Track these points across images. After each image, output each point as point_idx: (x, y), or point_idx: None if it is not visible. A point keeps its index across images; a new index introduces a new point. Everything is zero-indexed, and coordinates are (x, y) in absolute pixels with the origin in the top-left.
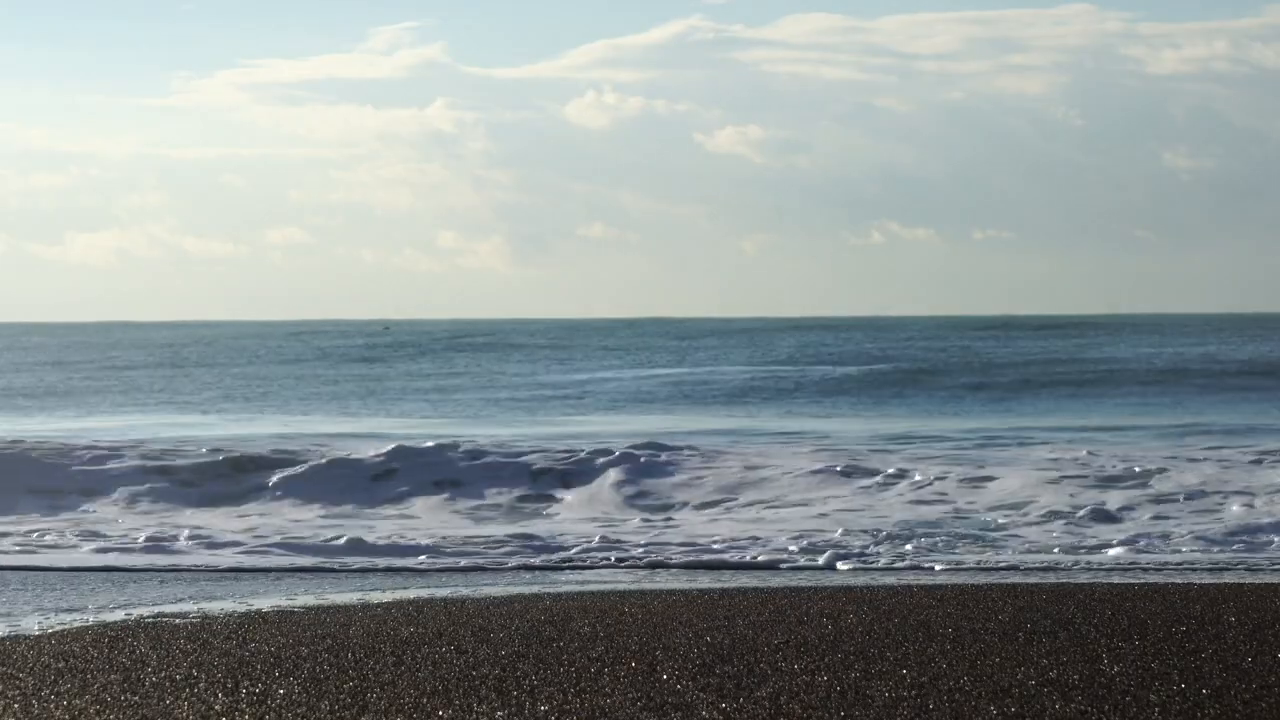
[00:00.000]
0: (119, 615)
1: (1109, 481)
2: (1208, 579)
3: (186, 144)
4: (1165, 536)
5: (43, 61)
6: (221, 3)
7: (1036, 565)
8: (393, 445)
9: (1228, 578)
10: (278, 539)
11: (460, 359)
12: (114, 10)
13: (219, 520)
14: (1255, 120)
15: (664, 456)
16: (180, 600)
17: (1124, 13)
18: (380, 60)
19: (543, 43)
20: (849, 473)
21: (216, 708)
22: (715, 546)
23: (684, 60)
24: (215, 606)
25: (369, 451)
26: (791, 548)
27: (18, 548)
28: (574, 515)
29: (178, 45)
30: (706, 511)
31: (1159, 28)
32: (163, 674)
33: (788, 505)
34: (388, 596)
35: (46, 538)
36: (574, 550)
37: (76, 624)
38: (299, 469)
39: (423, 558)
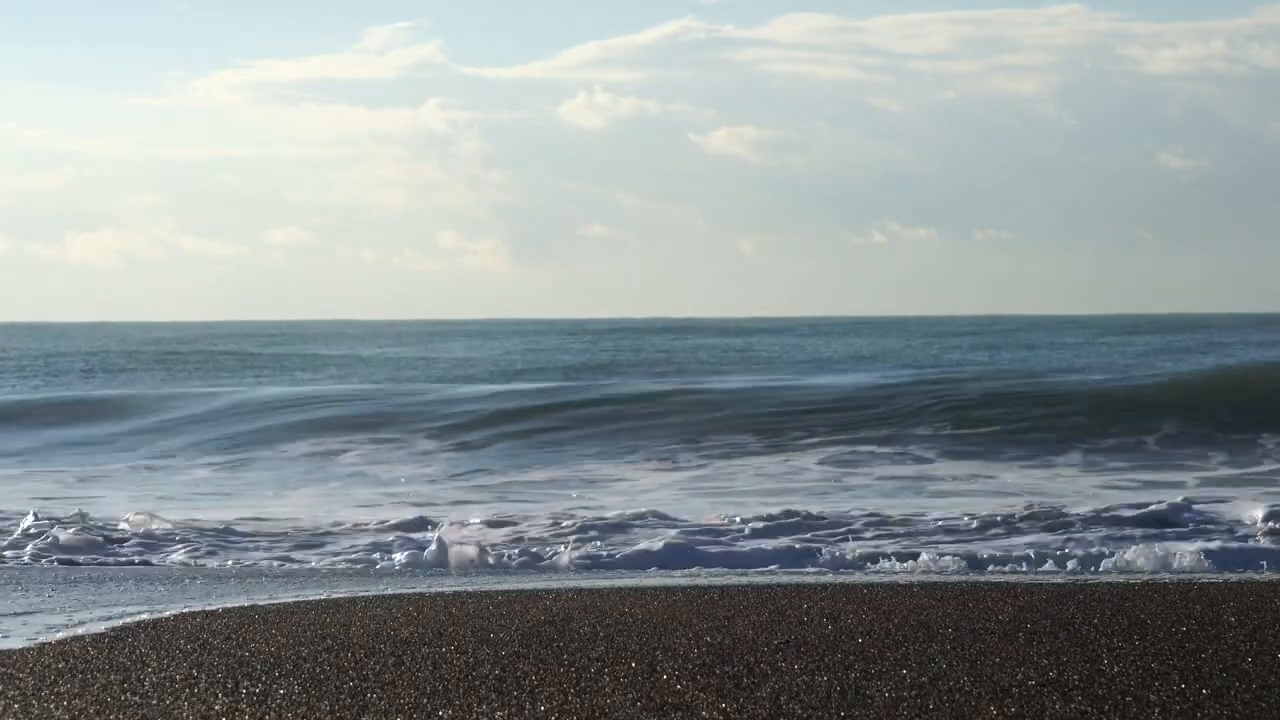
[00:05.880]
0: (119, 616)
1: None
2: (1208, 579)
3: (182, 144)
4: None
5: (38, 61)
6: (215, 3)
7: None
8: None
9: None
10: None
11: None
12: (108, 10)
13: None
14: (1252, 120)
15: None
16: (180, 600)
17: (1114, 13)
18: (374, 60)
19: (536, 43)
20: None
21: (216, 708)
22: None
23: (677, 61)
24: (215, 606)
25: None
26: None
27: None
28: None
29: (172, 45)
30: None
31: (1152, 27)
32: (163, 674)
33: None
34: (388, 595)
35: None
36: None
37: (77, 624)
38: None
39: None
